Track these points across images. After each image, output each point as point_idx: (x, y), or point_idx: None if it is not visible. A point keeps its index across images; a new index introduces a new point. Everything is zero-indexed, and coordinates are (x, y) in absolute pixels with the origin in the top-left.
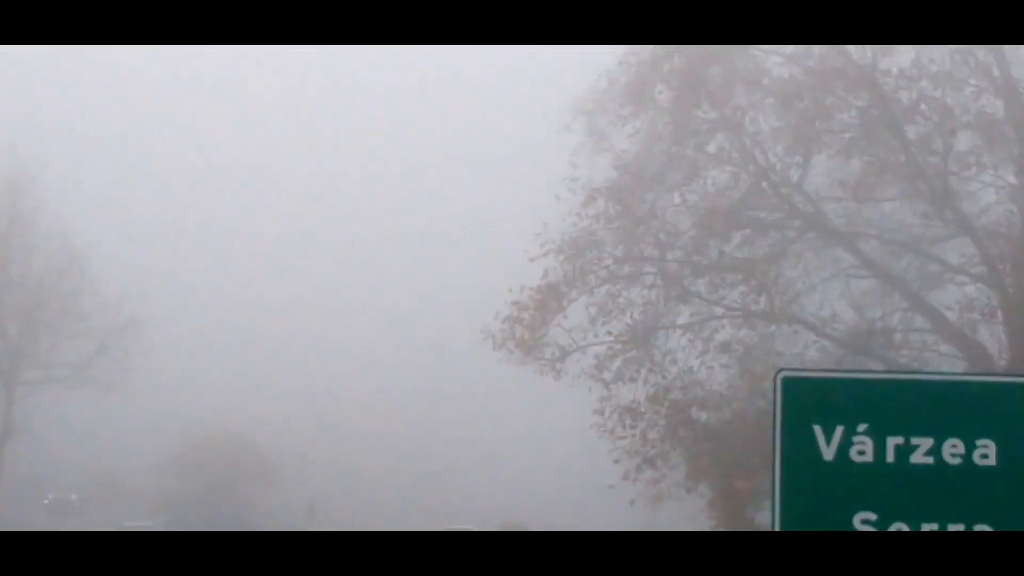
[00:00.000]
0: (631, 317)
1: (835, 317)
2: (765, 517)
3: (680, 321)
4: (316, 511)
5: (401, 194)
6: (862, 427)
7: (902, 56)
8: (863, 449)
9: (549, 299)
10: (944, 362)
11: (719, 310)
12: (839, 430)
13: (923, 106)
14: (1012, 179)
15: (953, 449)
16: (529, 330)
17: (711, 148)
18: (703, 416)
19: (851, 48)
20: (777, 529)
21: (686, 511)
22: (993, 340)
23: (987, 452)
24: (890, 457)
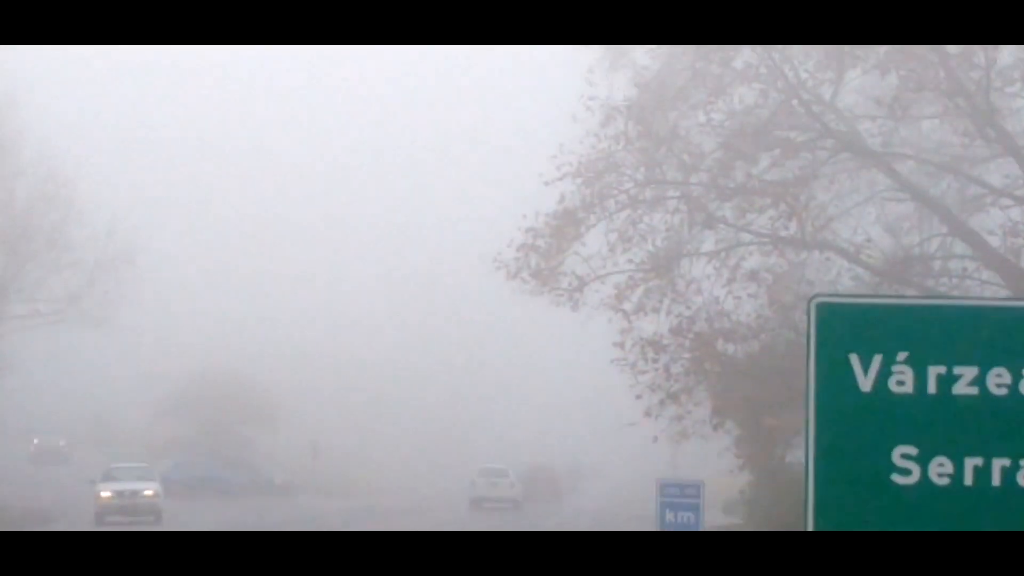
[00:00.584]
0: (653, 244)
1: (870, 243)
2: (796, 456)
3: (705, 248)
4: (319, 451)
5: (410, 117)
6: (902, 356)
7: None
8: (903, 379)
9: (565, 226)
10: (985, 290)
11: (746, 236)
12: (877, 359)
13: None
14: None
15: (999, 379)
16: (545, 259)
17: (737, 64)
18: (730, 349)
19: None
20: (812, 466)
21: (711, 449)
22: None
23: None
24: (931, 388)
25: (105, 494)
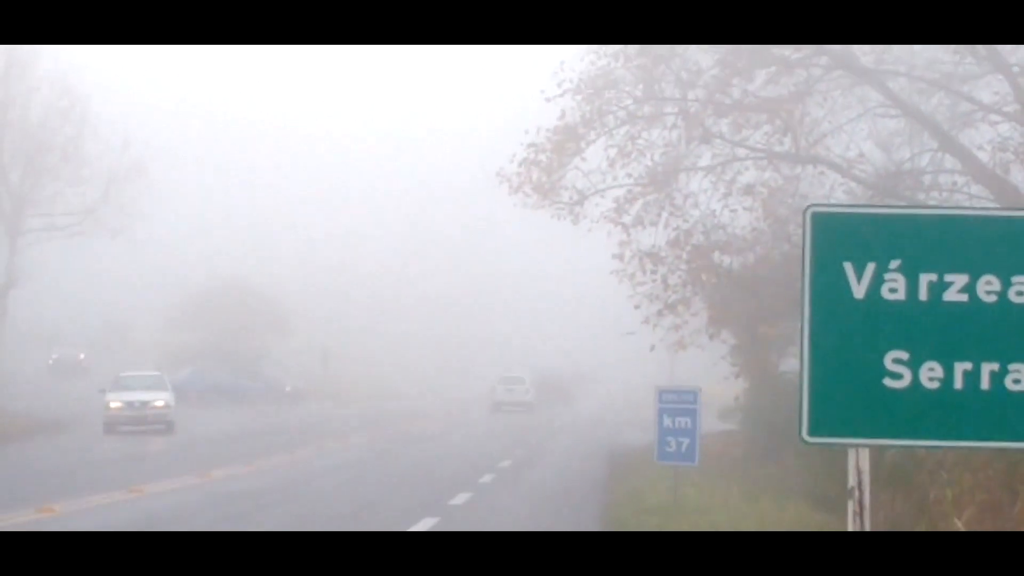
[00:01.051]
0: (651, 159)
1: (862, 158)
2: (791, 363)
3: (702, 163)
4: (329, 358)
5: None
6: (894, 264)
7: None
8: (895, 287)
9: (566, 141)
10: (975, 204)
11: (742, 151)
12: (871, 267)
13: None
14: None
15: (988, 286)
16: (546, 173)
17: None
18: (726, 261)
19: None
20: (806, 371)
21: (708, 358)
22: None
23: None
24: (923, 295)
25: (115, 404)
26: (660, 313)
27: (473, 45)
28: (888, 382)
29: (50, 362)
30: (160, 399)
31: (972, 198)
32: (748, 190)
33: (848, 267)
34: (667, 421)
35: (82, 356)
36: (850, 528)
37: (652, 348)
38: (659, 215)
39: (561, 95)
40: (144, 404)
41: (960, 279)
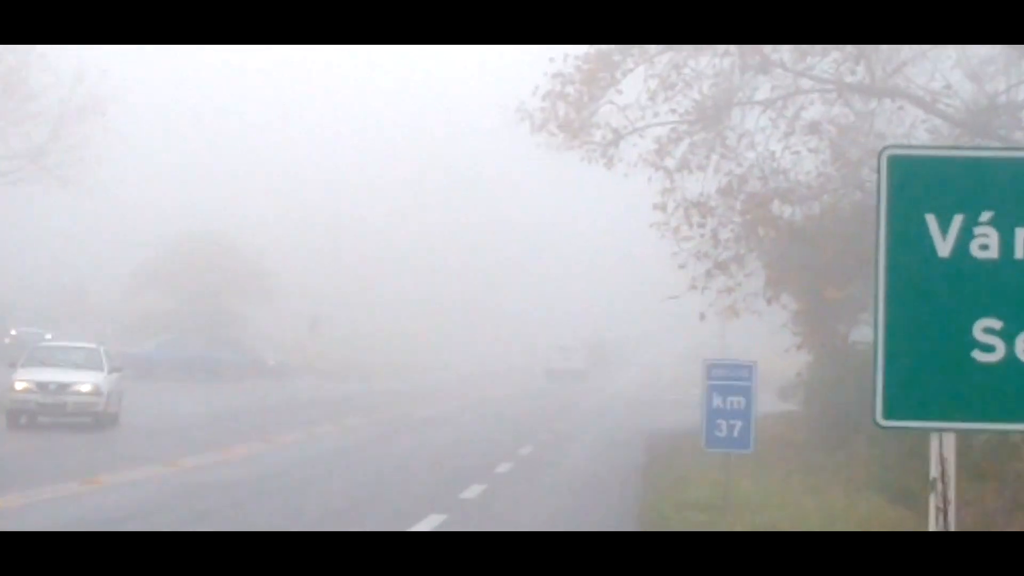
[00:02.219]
0: (699, 91)
1: (949, 90)
2: (862, 333)
3: (759, 96)
4: (318, 328)
5: None
6: (986, 216)
7: None
8: (986, 243)
9: (599, 70)
10: None
11: (807, 83)
12: (958, 220)
13: None
14: None
15: None
16: (575, 108)
17: None
18: (787, 211)
19: None
20: (881, 343)
21: (765, 327)
22: None
23: None
24: (1019, 252)
25: (21, 385)
26: (709, 273)
27: None
28: (978, 355)
29: (7, 340)
30: (86, 383)
31: None
32: (813, 128)
33: (931, 220)
34: (717, 400)
35: (49, 336)
36: (932, 527)
37: (702, 317)
38: (708, 158)
39: None
40: (63, 388)
41: None
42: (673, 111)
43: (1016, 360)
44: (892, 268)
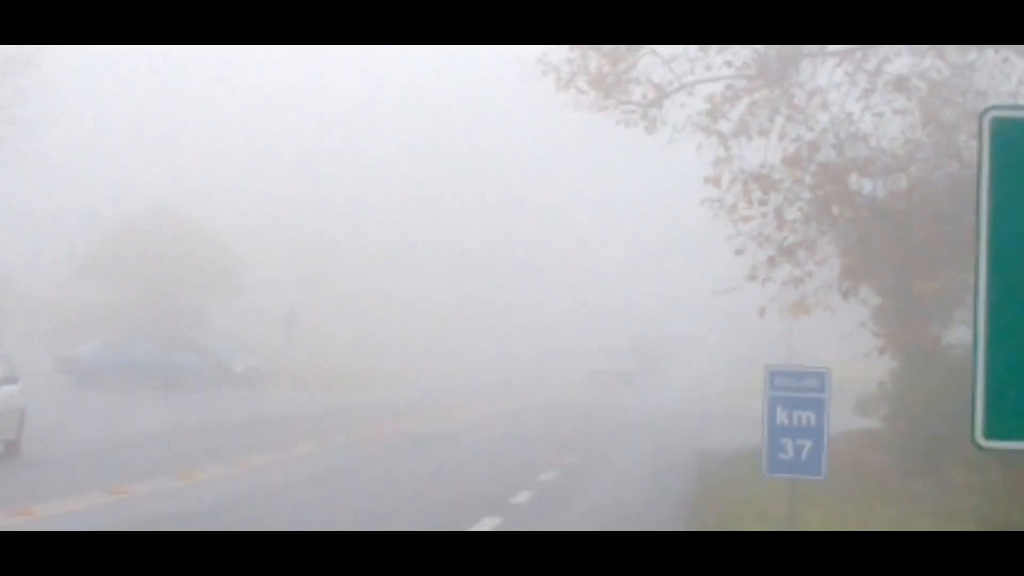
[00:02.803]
0: None
1: None
2: (957, 335)
3: (833, 46)
4: (295, 326)
5: None
6: None
7: None
8: None
9: None
10: None
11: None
12: None
13: None
14: None
15: None
16: (610, 60)
17: None
18: (867, 186)
19: None
20: (983, 347)
21: (841, 325)
22: None
23: None
24: None
25: None
26: (772, 261)
27: None
28: None
29: None
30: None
31: None
32: (900, 85)
33: None
34: (781, 416)
35: None
36: None
37: (762, 313)
38: (771, 120)
39: None
40: None
41: None
42: (729, 63)
43: None
44: (996, 255)
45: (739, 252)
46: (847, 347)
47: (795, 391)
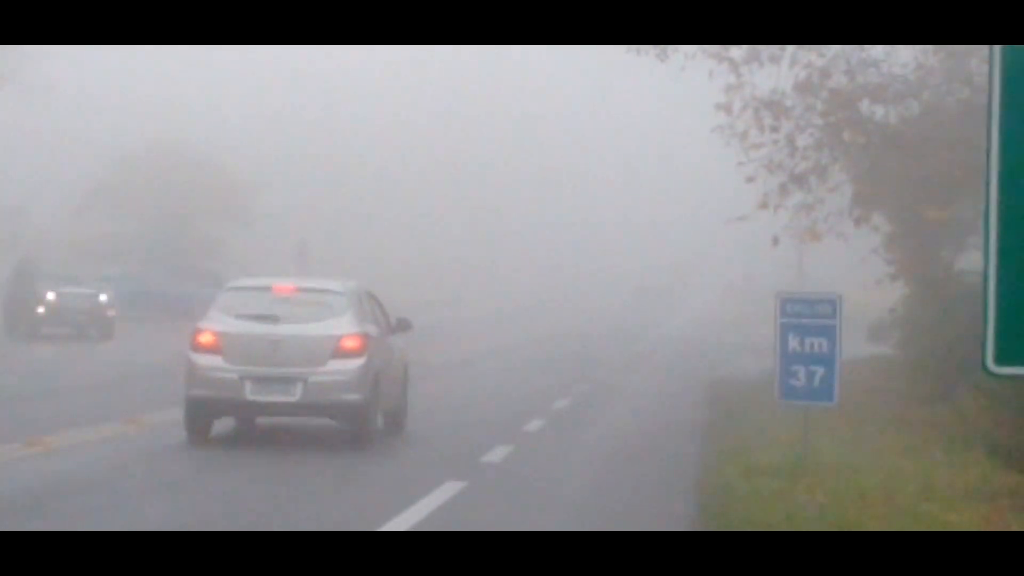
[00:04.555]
0: None
1: None
2: (969, 260)
3: None
4: (308, 254)
5: None
6: None
7: None
8: None
9: None
10: None
11: None
12: None
13: None
14: None
15: None
16: None
17: None
18: (879, 112)
19: None
20: (993, 272)
21: (851, 253)
22: None
23: None
24: None
25: None
26: (784, 188)
27: None
28: None
29: None
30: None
31: None
32: None
33: None
34: (793, 343)
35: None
36: None
37: (775, 242)
38: (783, 47)
39: None
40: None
41: None
42: None
43: None
44: (1006, 181)
45: (750, 180)
46: (859, 274)
47: (807, 317)
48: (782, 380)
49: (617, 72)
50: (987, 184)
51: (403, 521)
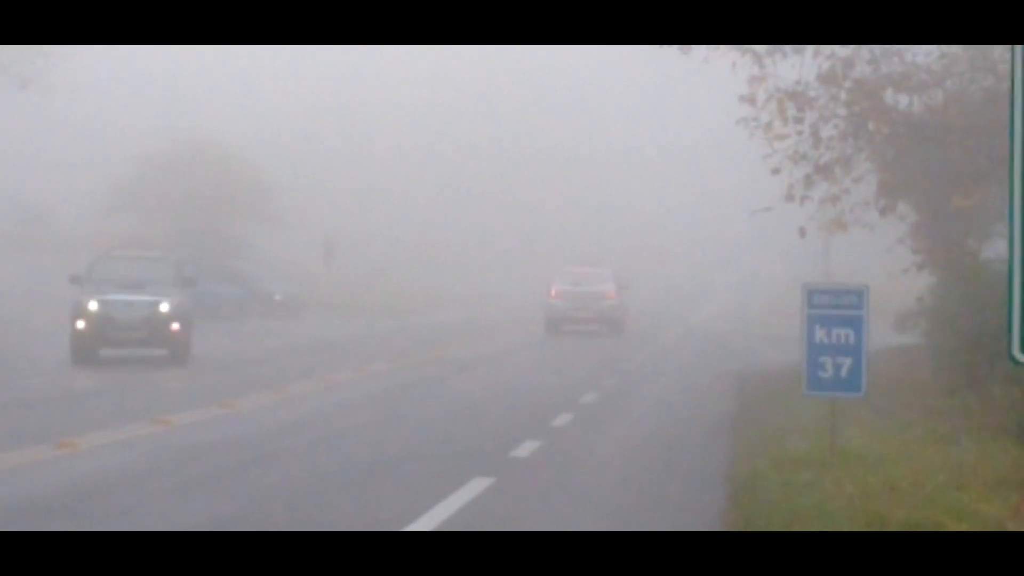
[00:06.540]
0: None
1: None
2: (996, 248)
3: None
4: (334, 253)
5: None
6: None
7: None
8: None
9: None
10: None
11: None
12: None
13: None
14: None
15: None
16: None
17: None
18: (903, 102)
19: None
20: (1018, 259)
21: (878, 242)
22: None
23: None
24: None
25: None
26: (809, 179)
27: None
28: None
29: None
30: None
31: None
32: None
33: None
34: (820, 334)
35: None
36: None
37: (802, 233)
38: None
39: None
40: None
41: None
42: None
43: None
44: None
45: (775, 171)
46: (885, 264)
47: (834, 308)
48: (809, 372)
49: (635, 65)
50: (1011, 170)
51: (432, 518)
